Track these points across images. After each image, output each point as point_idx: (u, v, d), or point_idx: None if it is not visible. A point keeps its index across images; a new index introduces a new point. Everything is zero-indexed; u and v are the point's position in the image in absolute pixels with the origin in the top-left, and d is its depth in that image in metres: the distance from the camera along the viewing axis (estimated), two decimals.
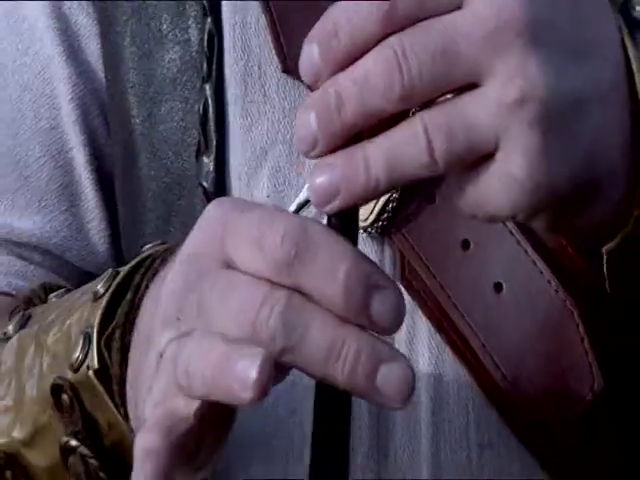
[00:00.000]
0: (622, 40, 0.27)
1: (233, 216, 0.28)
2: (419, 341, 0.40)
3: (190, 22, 0.44)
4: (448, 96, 0.26)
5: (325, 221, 0.27)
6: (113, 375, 0.34)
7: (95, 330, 0.34)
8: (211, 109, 0.43)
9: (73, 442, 0.36)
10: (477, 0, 0.25)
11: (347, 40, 0.26)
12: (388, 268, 0.40)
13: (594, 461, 0.40)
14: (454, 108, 0.25)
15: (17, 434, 0.37)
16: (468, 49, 0.25)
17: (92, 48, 0.47)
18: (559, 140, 0.26)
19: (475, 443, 0.40)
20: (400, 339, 0.40)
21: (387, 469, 0.39)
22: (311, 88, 0.28)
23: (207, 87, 0.43)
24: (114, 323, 0.34)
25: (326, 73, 0.26)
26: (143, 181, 0.45)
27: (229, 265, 0.27)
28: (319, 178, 0.26)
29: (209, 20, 0.43)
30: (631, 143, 0.28)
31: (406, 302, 0.38)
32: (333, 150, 0.26)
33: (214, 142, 0.43)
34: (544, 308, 0.39)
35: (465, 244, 0.40)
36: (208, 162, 0.43)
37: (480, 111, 0.25)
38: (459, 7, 0.25)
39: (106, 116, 0.47)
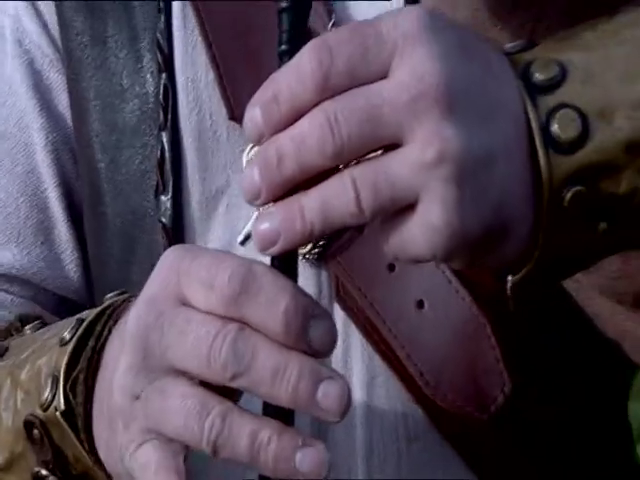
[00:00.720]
0: (523, 102, 0.29)
1: (186, 260, 0.30)
2: (353, 350, 0.42)
3: (147, 77, 0.46)
4: (377, 152, 0.27)
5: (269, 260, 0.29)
6: (78, 415, 0.36)
7: (62, 374, 0.36)
8: (167, 154, 0.45)
9: (44, 471, 0.38)
10: (400, 70, 0.27)
11: (286, 105, 0.28)
12: (325, 289, 0.42)
13: (507, 454, 0.43)
14: (379, 165, 0.27)
15: None
16: (391, 114, 0.27)
17: (62, 100, 0.49)
18: (472, 192, 0.27)
19: (404, 437, 0.42)
20: (336, 349, 0.42)
21: None
22: None
23: (163, 135, 0.45)
24: (78, 368, 0.36)
25: (268, 133, 0.28)
26: (108, 217, 0.47)
27: (184, 304, 0.29)
28: (262, 225, 0.28)
29: (164, 76, 0.45)
30: (532, 192, 0.29)
31: (341, 317, 0.41)
32: (274, 200, 0.28)
33: (170, 183, 0.45)
34: (460, 322, 0.42)
35: (391, 267, 0.42)
36: (166, 200, 0.45)
37: (402, 169, 0.27)
38: (385, 76, 0.27)
39: (76, 159, 0.49)
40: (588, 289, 0.41)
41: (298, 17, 0.30)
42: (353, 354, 0.42)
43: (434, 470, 0.42)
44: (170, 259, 0.31)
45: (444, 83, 0.27)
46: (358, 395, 0.42)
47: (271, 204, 0.28)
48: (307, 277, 0.41)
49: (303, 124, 0.27)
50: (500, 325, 0.41)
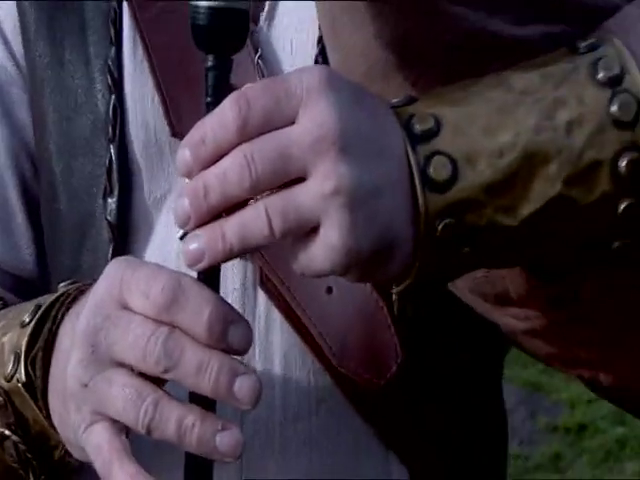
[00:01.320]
0: (406, 149, 0.32)
1: (128, 272, 0.35)
2: (274, 328, 0.46)
3: (99, 97, 0.49)
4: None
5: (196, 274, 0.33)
6: (37, 386, 0.40)
7: (23, 352, 0.41)
8: (115, 164, 0.48)
9: (7, 432, 0.43)
10: (305, 118, 0.31)
11: (211, 146, 0.31)
12: (250, 277, 0.46)
13: (400, 414, 0.47)
14: (288, 195, 0.31)
15: None
16: (297, 154, 0.30)
17: (22, 112, 0.52)
18: (363, 219, 0.31)
19: (314, 399, 0.46)
20: (260, 326, 0.46)
21: (248, 417, 0.45)
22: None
23: (112, 147, 0.48)
24: (37, 347, 0.40)
25: (196, 170, 0.32)
26: (62, 214, 0.50)
27: (126, 308, 0.34)
28: (190, 246, 0.32)
29: (113, 97, 0.48)
30: (412, 221, 0.32)
31: (264, 300, 0.46)
32: (201, 225, 0.32)
33: (117, 188, 0.48)
34: (362, 304, 0.45)
35: None
36: (112, 202, 0.48)
37: (306, 198, 0.30)
38: (293, 123, 0.31)
39: (34, 162, 0.52)
40: (460, 288, 0.43)
41: (221, 74, 0.33)
42: (274, 331, 0.46)
43: (339, 426, 0.47)
44: (114, 270, 0.35)
45: (339, 129, 0.30)
46: (277, 364, 0.46)
47: (198, 229, 0.32)
48: (236, 267, 0.45)
49: (225, 162, 0.31)
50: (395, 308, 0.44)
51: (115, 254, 0.47)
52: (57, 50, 0.51)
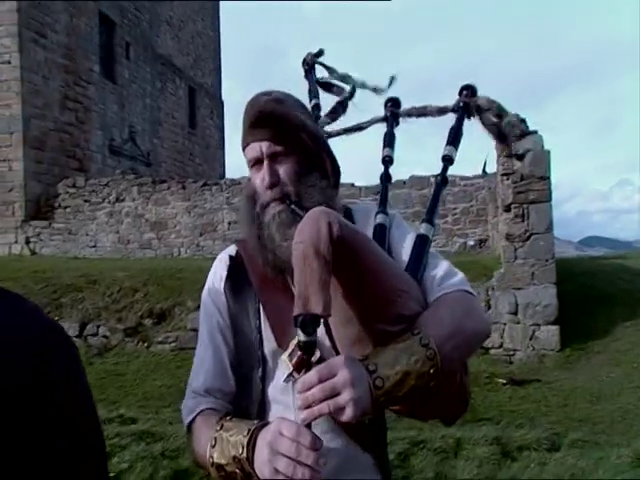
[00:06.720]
0: (367, 375, 0.87)
1: (275, 435, 0.88)
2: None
3: (253, 327, 1.08)
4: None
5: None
6: (250, 458, 0.92)
7: (245, 445, 0.92)
8: (260, 358, 1.06)
9: (237, 471, 0.95)
10: (339, 376, 0.85)
11: (307, 384, 0.85)
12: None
13: (364, 431, 1.07)
14: (336, 400, 0.84)
15: (223, 460, 0.97)
16: (338, 386, 0.84)
17: (229, 332, 1.12)
18: (357, 403, 0.84)
19: (331, 426, 1.04)
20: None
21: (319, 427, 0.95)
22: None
23: (259, 350, 1.08)
24: (250, 444, 0.92)
25: (303, 391, 0.85)
26: (244, 367, 1.09)
27: (281, 435, 0.88)
28: (301, 416, 0.85)
29: (258, 335, 1.08)
30: (371, 398, 0.86)
31: None
32: (305, 408, 0.85)
33: (260, 362, 1.07)
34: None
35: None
36: (259, 370, 1.07)
37: (341, 400, 0.84)
38: (335, 375, 0.85)
39: (230, 346, 1.11)
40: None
41: (309, 357, 0.87)
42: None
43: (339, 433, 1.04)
44: (274, 424, 0.89)
45: (350, 378, 0.85)
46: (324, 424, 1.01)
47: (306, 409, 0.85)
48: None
49: (314, 389, 0.84)
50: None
51: (262, 388, 1.05)
52: (239, 314, 1.08)
